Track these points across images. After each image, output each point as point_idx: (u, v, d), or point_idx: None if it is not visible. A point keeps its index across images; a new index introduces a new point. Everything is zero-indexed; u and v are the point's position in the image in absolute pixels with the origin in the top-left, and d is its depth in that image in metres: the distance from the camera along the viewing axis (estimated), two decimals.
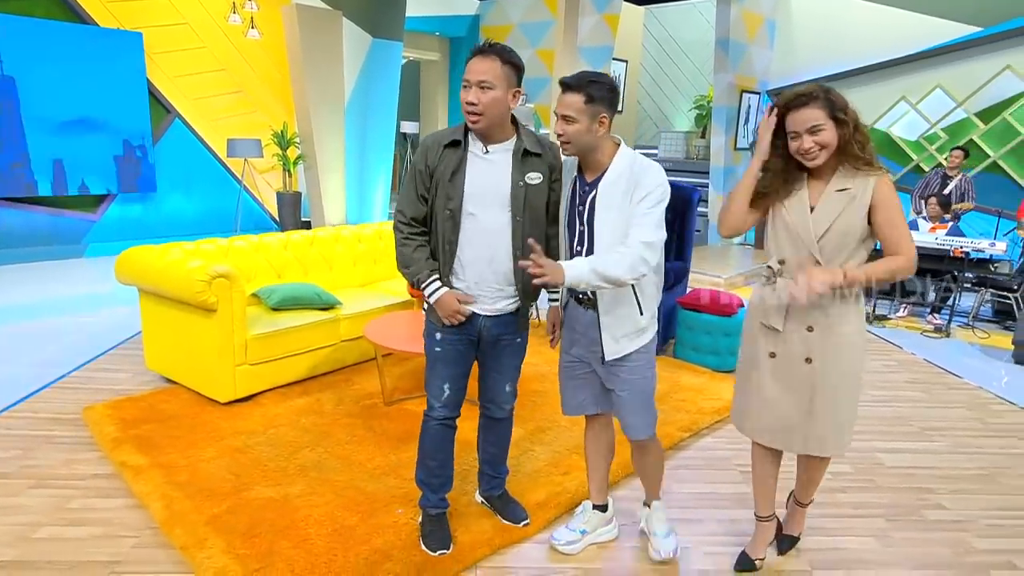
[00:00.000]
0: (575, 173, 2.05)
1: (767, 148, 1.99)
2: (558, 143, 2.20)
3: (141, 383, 3.57)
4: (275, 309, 3.60)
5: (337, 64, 6.89)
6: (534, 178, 2.05)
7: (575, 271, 1.85)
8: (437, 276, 2.10)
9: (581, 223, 2.01)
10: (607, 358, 2.06)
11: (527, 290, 2.14)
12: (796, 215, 1.96)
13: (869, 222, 1.90)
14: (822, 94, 1.86)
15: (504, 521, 2.42)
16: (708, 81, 9.57)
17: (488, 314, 2.14)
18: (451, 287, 2.11)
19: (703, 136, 9.75)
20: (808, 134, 1.86)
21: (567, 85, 1.91)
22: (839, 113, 1.85)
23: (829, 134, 1.86)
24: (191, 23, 6.92)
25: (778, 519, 2.34)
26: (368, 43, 7.22)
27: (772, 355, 2.07)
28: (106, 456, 2.79)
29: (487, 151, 2.04)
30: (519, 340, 2.26)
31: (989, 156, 7.17)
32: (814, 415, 2.03)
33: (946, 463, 3.08)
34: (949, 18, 7.32)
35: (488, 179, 2.03)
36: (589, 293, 2.03)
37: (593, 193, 1.97)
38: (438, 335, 2.16)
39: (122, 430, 2.96)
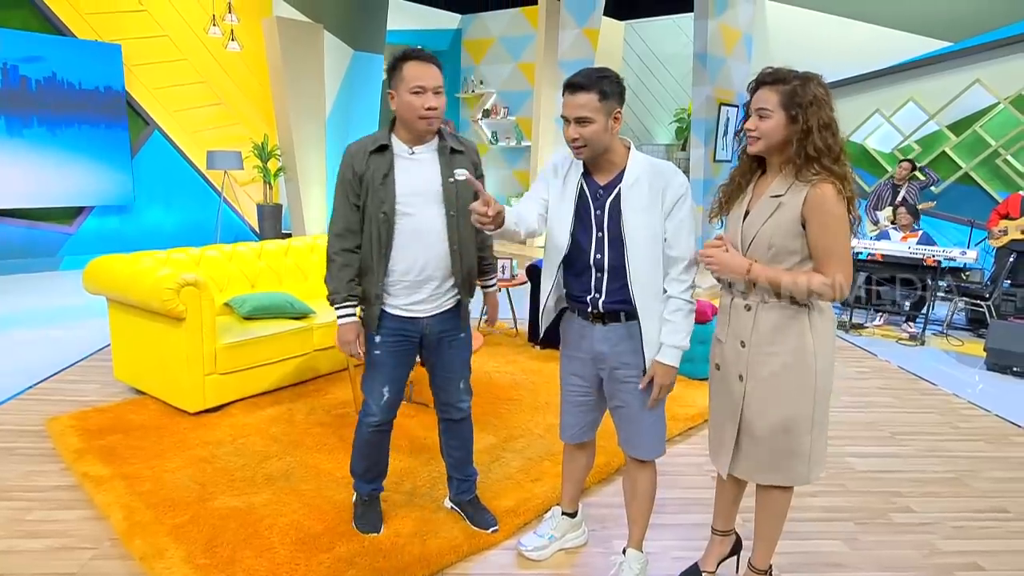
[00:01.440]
0: (579, 176, 1.92)
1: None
2: (474, 147, 2.24)
3: (109, 394, 3.52)
4: (247, 318, 3.57)
5: (318, 77, 6.91)
6: (461, 174, 2.06)
7: (673, 359, 1.88)
8: (354, 303, 2.12)
9: (599, 229, 1.89)
10: (650, 364, 1.93)
11: (466, 285, 2.19)
12: (732, 220, 1.83)
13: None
14: (791, 84, 1.65)
15: (473, 527, 2.40)
16: (687, 94, 9.70)
17: (429, 313, 2.15)
18: (387, 292, 2.10)
19: (683, 149, 9.84)
20: (756, 115, 1.71)
21: (577, 85, 1.77)
22: (795, 110, 1.64)
23: (774, 125, 1.68)
24: (171, 35, 6.93)
25: (738, 536, 2.23)
26: (349, 56, 7.26)
27: (717, 367, 1.95)
28: (68, 467, 2.74)
29: (412, 152, 2.08)
30: (463, 335, 2.27)
31: (961, 167, 7.30)
32: (741, 440, 1.89)
33: (915, 467, 3.09)
34: (921, 33, 7.49)
35: (419, 178, 2.07)
36: (600, 307, 1.94)
37: (611, 196, 1.86)
38: (377, 339, 2.15)
39: (86, 441, 2.91)
